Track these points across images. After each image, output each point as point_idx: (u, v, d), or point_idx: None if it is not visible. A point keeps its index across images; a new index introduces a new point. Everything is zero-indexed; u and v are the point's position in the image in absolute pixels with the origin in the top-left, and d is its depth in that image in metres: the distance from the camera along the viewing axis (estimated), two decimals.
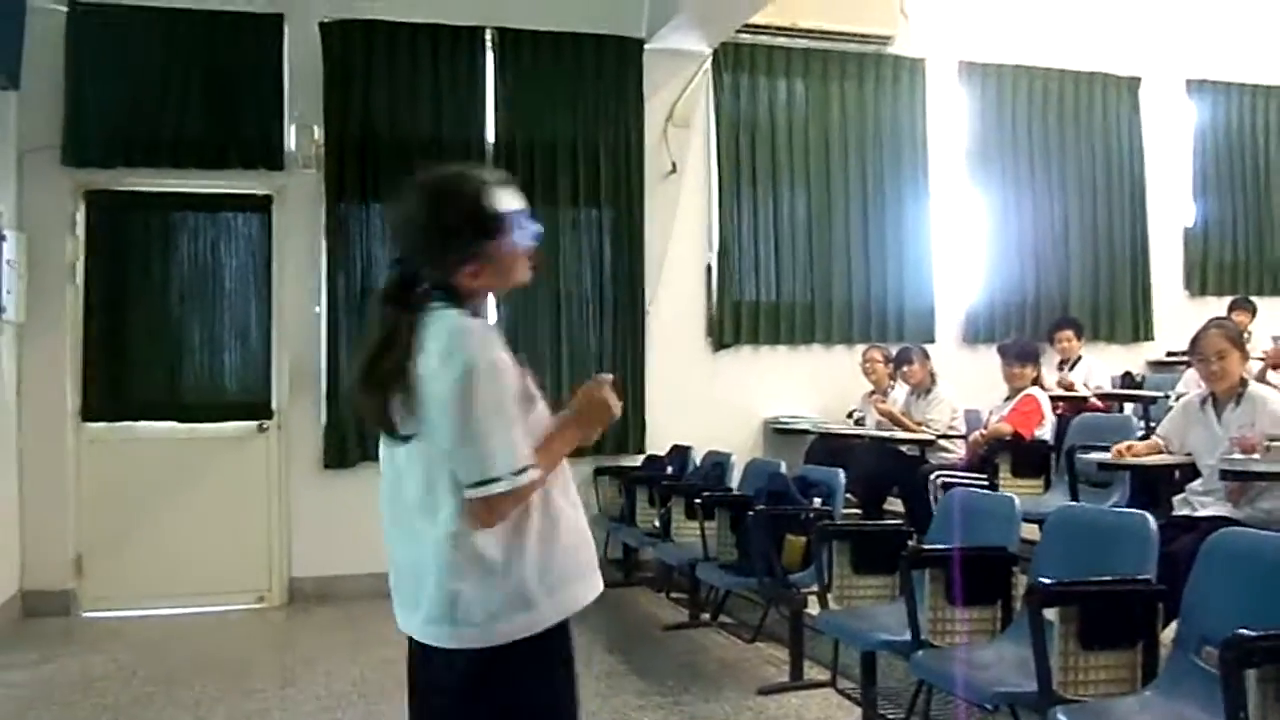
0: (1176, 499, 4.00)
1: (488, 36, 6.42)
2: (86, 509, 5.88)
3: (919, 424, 5.88)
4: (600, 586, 1.93)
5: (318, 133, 6.14)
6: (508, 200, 1.82)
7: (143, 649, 5.14)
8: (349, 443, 6.07)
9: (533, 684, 1.84)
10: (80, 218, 5.97)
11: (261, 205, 6.19)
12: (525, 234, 1.85)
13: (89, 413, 5.94)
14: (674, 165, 6.74)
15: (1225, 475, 3.71)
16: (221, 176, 6.07)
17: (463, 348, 1.71)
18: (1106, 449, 4.34)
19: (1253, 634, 2.03)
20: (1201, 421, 4.03)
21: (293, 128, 6.14)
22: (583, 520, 1.92)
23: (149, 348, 6.11)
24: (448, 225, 1.78)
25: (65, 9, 5.82)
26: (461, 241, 1.78)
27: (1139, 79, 7.74)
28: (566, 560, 1.85)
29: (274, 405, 6.11)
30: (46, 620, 5.64)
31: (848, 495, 4.90)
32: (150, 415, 6.04)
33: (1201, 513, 3.79)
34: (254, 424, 6.07)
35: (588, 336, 6.52)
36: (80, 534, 5.86)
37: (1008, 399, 5.56)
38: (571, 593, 1.86)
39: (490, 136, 6.44)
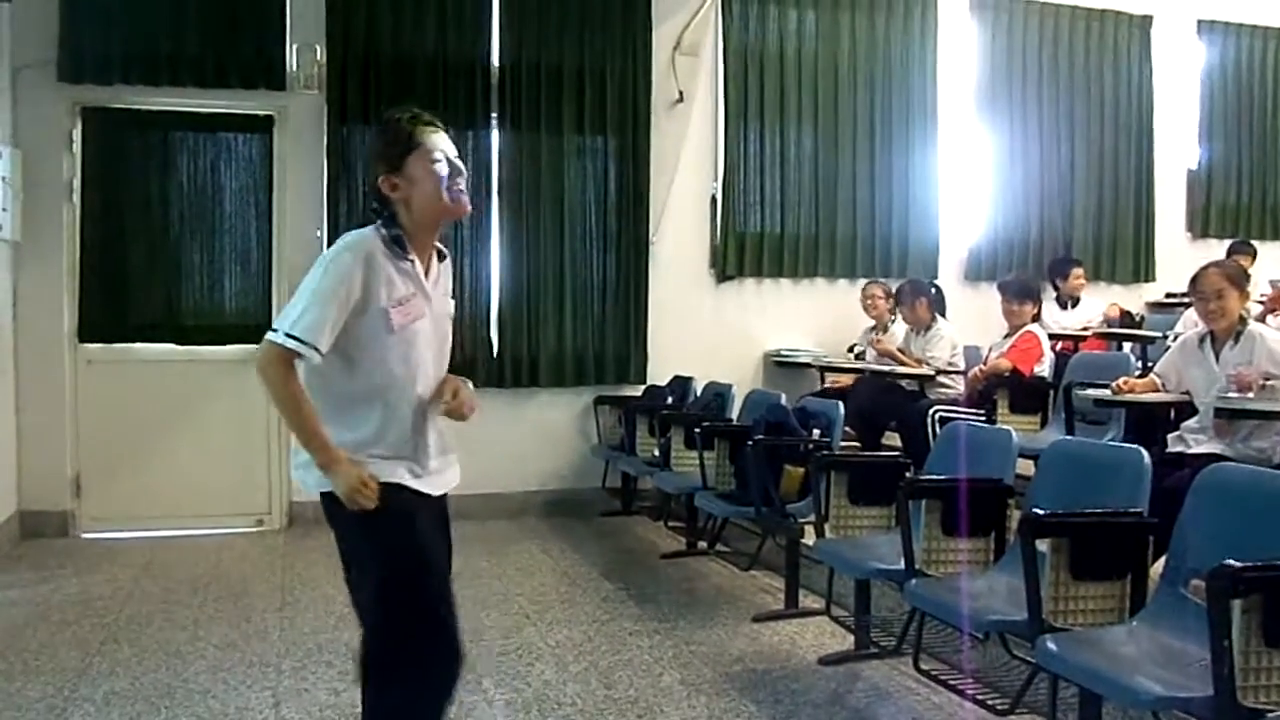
0: (1171, 436, 4.10)
1: None
2: (84, 430, 5.96)
3: (918, 360, 5.96)
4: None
5: (320, 53, 6.11)
6: (429, 137, 2.30)
7: (141, 570, 5.24)
8: None
9: None
10: (77, 135, 5.96)
11: (262, 126, 6.18)
12: (437, 161, 2.28)
13: (86, 333, 5.99)
14: (681, 94, 6.72)
15: (1220, 413, 3.80)
16: (222, 96, 6.04)
17: (335, 248, 2.25)
18: (1104, 386, 4.42)
19: (1238, 564, 2.12)
20: (1199, 360, 4.12)
21: (295, 47, 6.11)
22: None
23: (147, 268, 6.14)
24: (376, 148, 2.35)
25: None
26: (383, 161, 2.30)
27: (1151, 17, 7.70)
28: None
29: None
30: (45, 541, 5.74)
31: (846, 429, 4.98)
32: (148, 337, 6.09)
33: (1195, 449, 3.89)
34: (253, 347, 6.11)
35: (591, 266, 6.55)
36: (78, 455, 5.95)
37: (1007, 336, 5.64)
38: None
39: (495, 60, 6.41)
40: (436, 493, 2.39)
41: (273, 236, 6.18)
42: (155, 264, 6.14)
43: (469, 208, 2.35)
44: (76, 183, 5.96)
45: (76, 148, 5.96)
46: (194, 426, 6.08)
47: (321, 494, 2.27)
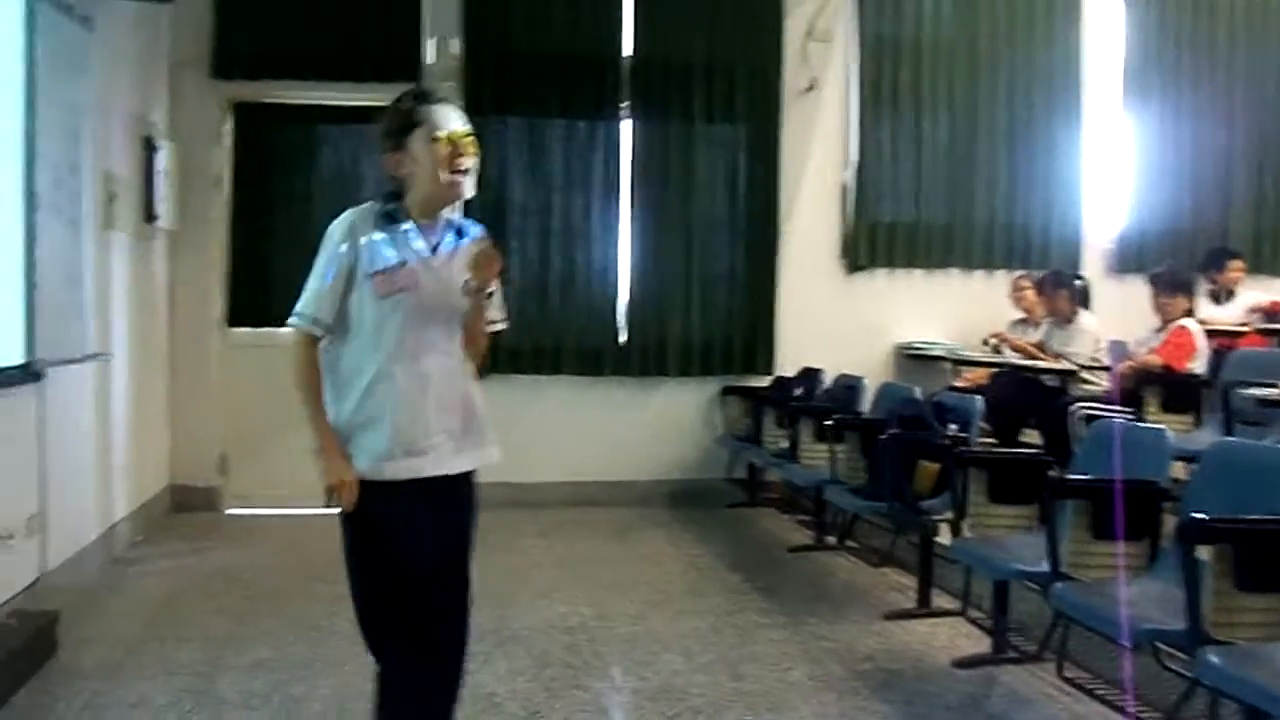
0: None
1: None
2: (230, 411, 6.19)
3: (1057, 355, 5.72)
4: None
5: (456, 45, 6.21)
6: (432, 114, 2.28)
7: (282, 545, 5.42)
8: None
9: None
10: (228, 129, 6.20)
11: None
12: (435, 140, 2.25)
13: (234, 318, 6.23)
14: (812, 82, 6.60)
15: None
16: (362, 89, 6.14)
17: (333, 225, 2.32)
18: (1266, 386, 4.16)
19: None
20: None
21: (432, 40, 6.22)
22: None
23: (290, 256, 6.29)
24: (382, 125, 2.34)
25: None
26: (387, 137, 2.32)
27: None
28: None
29: None
30: (193, 514, 6.00)
31: (982, 425, 4.81)
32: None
33: None
34: None
35: (720, 255, 6.51)
36: (225, 434, 6.18)
37: (1158, 330, 5.35)
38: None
39: (626, 51, 6.41)
40: (437, 472, 2.30)
41: None
42: (298, 252, 6.23)
43: (464, 193, 2.28)
44: (226, 175, 6.20)
45: (227, 141, 6.20)
46: None
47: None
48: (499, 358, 6.25)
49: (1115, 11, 7.02)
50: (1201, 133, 7.04)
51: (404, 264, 2.24)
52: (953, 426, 4.39)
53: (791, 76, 6.58)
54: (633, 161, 6.43)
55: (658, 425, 6.49)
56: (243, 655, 3.69)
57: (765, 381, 6.44)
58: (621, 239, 6.42)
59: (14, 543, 3.74)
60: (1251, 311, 6.28)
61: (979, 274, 6.81)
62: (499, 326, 2.43)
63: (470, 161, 2.26)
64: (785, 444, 5.49)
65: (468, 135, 2.27)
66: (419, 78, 6.18)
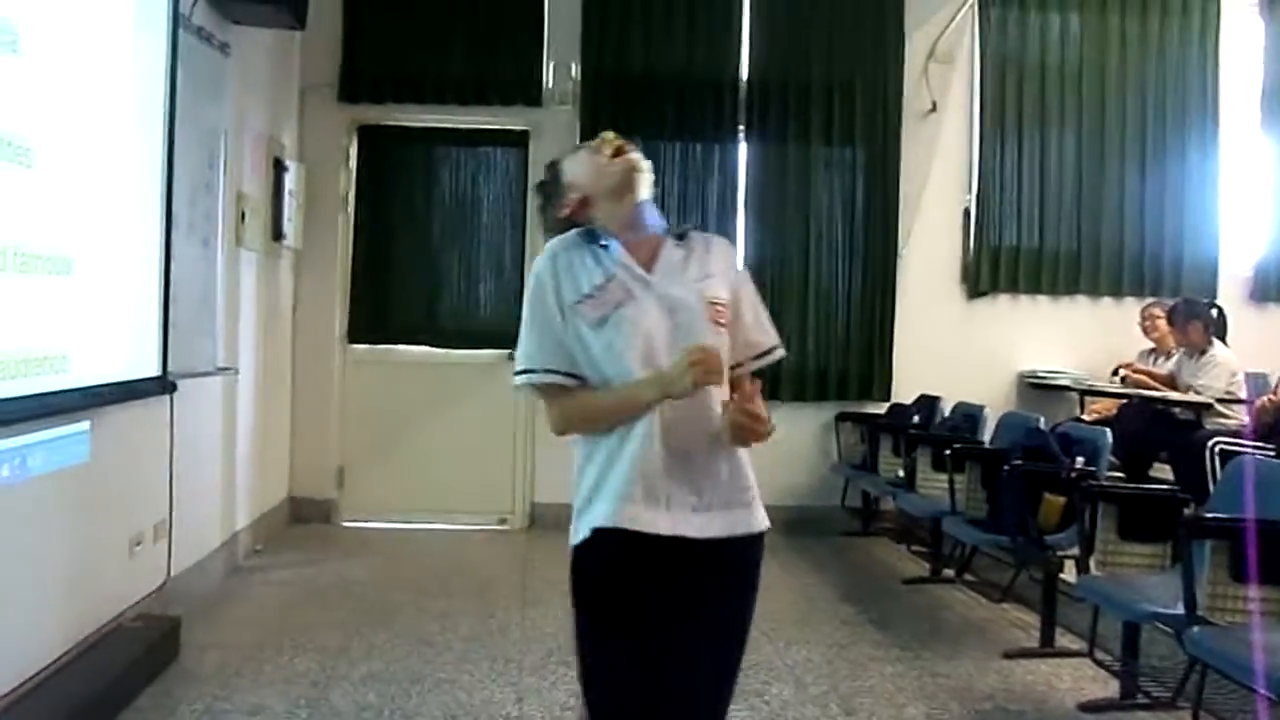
0: None
1: None
2: (349, 425, 6.32)
3: (1189, 388, 5.49)
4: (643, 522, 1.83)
5: (575, 70, 6.29)
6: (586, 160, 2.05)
7: (394, 559, 5.52)
8: None
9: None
10: (353, 151, 6.37)
11: (519, 140, 6.41)
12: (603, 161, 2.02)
13: (354, 335, 6.37)
14: (934, 104, 6.48)
15: None
16: (482, 112, 6.32)
17: (537, 262, 2.00)
18: None
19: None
20: None
21: (551, 65, 6.31)
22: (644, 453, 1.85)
23: (410, 275, 6.49)
24: (542, 211, 2.17)
25: None
26: (549, 199, 2.12)
27: None
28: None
29: None
30: (311, 526, 6.14)
31: (1110, 458, 4.64)
32: (408, 339, 6.42)
33: None
34: (504, 352, 6.34)
35: (837, 278, 6.42)
36: (343, 448, 6.32)
37: None
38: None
39: (743, 74, 6.39)
40: (691, 534, 1.85)
41: (525, 247, 6.37)
42: (417, 271, 6.48)
43: (640, 179, 2.02)
44: (351, 195, 6.37)
45: (351, 162, 6.37)
46: (446, 426, 6.34)
47: (573, 548, 1.90)
48: None
49: (1254, 30, 6.73)
50: None
51: (610, 279, 1.89)
52: (1080, 459, 4.23)
53: (912, 98, 6.46)
54: (749, 184, 6.40)
55: (771, 451, 6.22)
56: (356, 667, 3.75)
57: (882, 408, 6.31)
58: (738, 261, 6.38)
59: (141, 548, 3.87)
60: None
61: (1107, 301, 6.56)
62: (774, 356, 2.03)
63: (635, 151, 2.03)
64: (901, 472, 5.37)
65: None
66: (539, 101, 6.29)
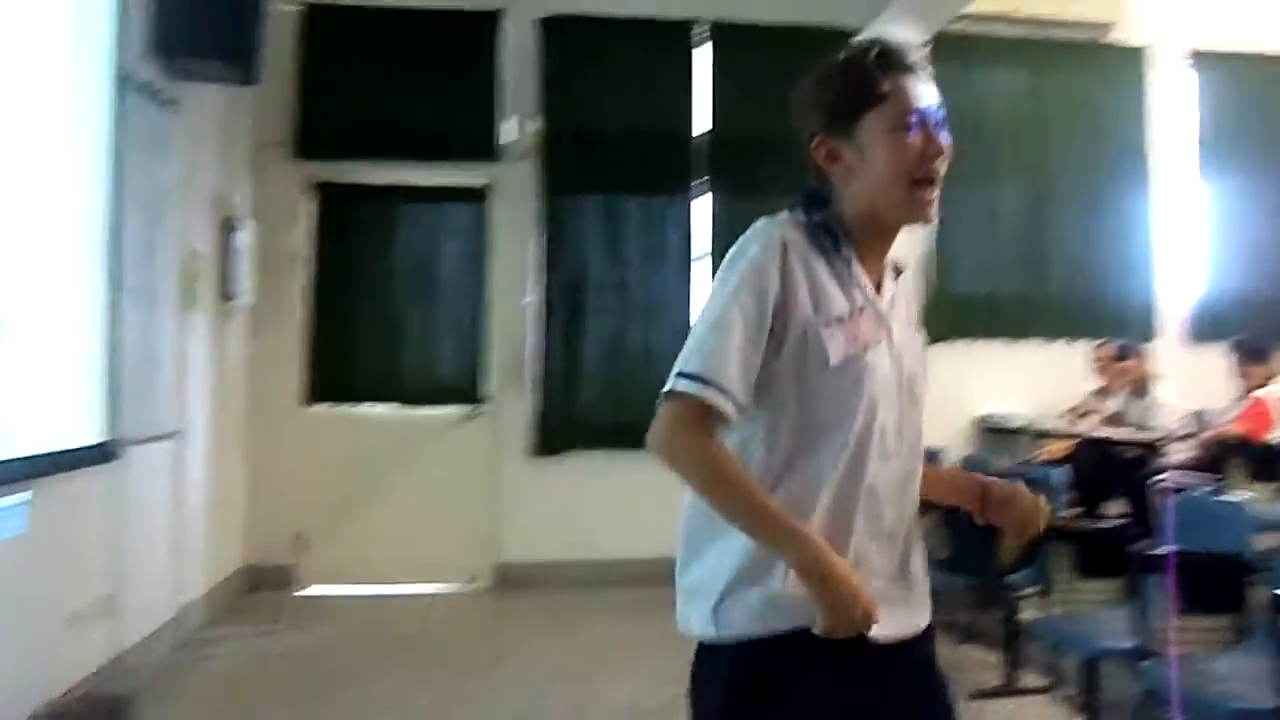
0: None
1: (700, 30, 6.48)
2: (308, 488, 6.16)
3: (1135, 426, 5.64)
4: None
5: (533, 125, 6.30)
6: (906, 88, 1.49)
7: (356, 626, 5.38)
8: (556, 431, 6.21)
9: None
10: (308, 208, 6.29)
11: (478, 196, 6.39)
12: (908, 128, 1.47)
13: (312, 394, 6.25)
14: None
15: None
16: (441, 168, 6.30)
17: (737, 245, 1.48)
18: None
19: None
20: None
21: (509, 120, 6.31)
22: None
23: (369, 333, 6.39)
24: (820, 95, 1.53)
25: (300, 9, 6.16)
26: (825, 112, 1.51)
27: None
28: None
29: (486, 392, 6.30)
30: (268, 594, 5.92)
31: (1067, 497, 4.70)
32: (369, 398, 6.32)
33: None
34: (466, 408, 6.28)
35: None
36: (302, 512, 6.14)
37: (1239, 399, 5.27)
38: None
39: (703, 129, 6.47)
40: (896, 633, 1.46)
41: (486, 303, 6.35)
42: (377, 329, 6.39)
43: (933, 217, 1.50)
44: (306, 253, 6.29)
45: (308, 220, 6.30)
46: (410, 485, 6.23)
47: (699, 647, 1.50)
48: (576, 434, 6.33)
49: (1184, 84, 6.96)
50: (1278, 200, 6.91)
51: (860, 311, 1.47)
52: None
53: None
54: (709, 238, 6.45)
55: None
56: None
57: None
58: (692, 315, 6.46)
59: (85, 624, 3.69)
60: None
61: (1059, 344, 6.69)
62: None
63: (944, 167, 1.51)
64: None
65: (942, 123, 1.51)
66: (498, 157, 6.31)
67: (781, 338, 1.43)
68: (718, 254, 6.41)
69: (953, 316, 6.61)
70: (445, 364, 6.45)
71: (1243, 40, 7.04)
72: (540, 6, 6.35)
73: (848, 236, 1.51)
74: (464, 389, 6.32)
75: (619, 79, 6.38)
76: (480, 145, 6.31)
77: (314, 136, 6.21)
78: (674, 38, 6.47)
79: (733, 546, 1.42)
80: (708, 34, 6.49)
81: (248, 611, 5.64)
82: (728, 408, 1.39)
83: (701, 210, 6.48)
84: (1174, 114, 6.96)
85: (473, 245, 6.43)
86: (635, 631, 5.09)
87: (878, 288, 1.53)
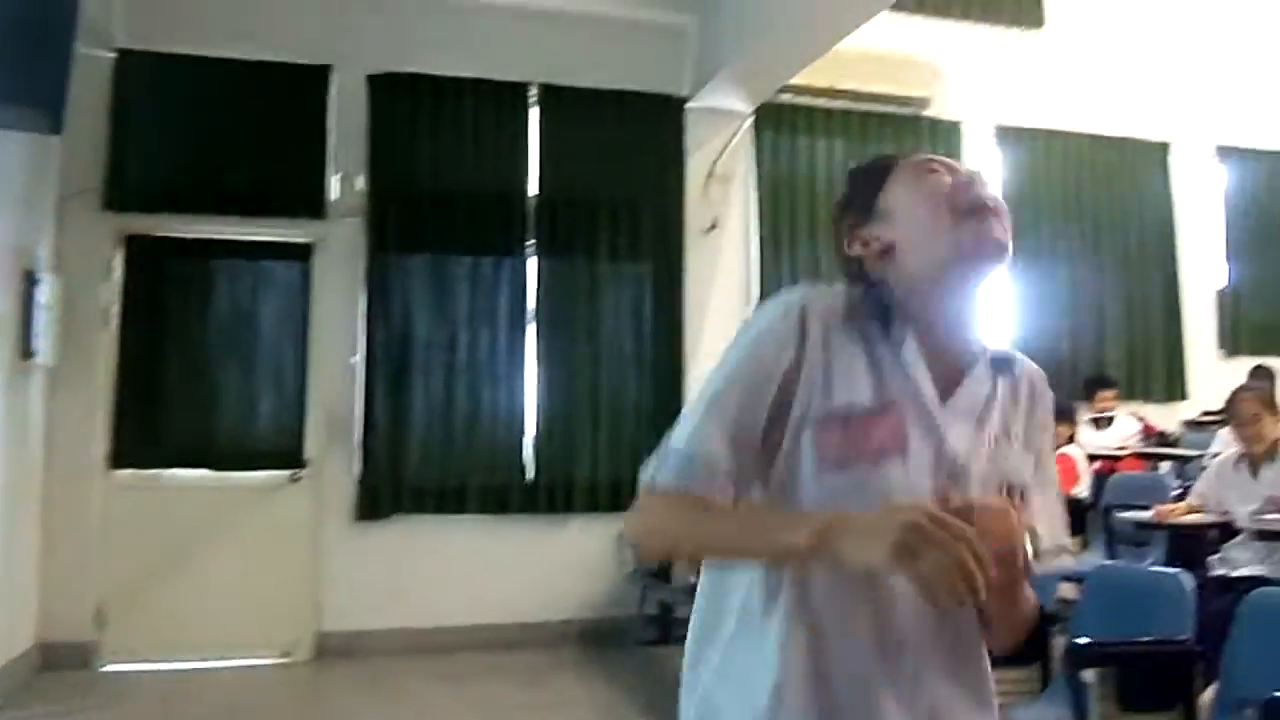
0: (1214, 559, 4.16)
1: (533, 92, 6.74)
2: (111, 558, 5.99)
3: None
4: None
5: (360, 182, 6.43)
6: (914, 156, 1.43)
7: (162, 704, 5.27)
8: (382, 495, 6.28)
9: None
10: (118, 262, 6.21)
11: (301, 253, 6.46)
12: (932, 171, 1.37)
13: (118, 459, 6.12)
14: (714, 221, 7.00)
15: (1262, 535, 3.86)
16: (262, 223, 6.34)
17: (756, 309, 1.35)
18: (1144, 508, 4.51)
19: None
20: (1236, 481, 4.24)
21: (336, 177, 6.43)
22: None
23: (182, 394, 6.34)
24: (839, 201, 1.47)
25: (112, 55, 6.12)
26: (848, 211, 1.43)
27: (1168, 144, 8.12)
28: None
29: (307, 455, 6.30)
30: (65, 673, 5.71)
31: None
32: (181, 463, 6.22)
33: (1238, 573, 3.94)
34: (286, 473, 6.26)
35: (626, 391, 6.75)
36: (104, 584, 5.97)
37: None
38: None
39: (533, 189, 6.72)
40: None
41: (308, 363, 6.39)
42: (190, 389, 6.34)
43: (1002, 250, 1.32)
44: (115, 309, 6.19)
45: (117, 275, 6.21)
46: (222, 554, 6.16)
47: None
48: (402, 498, 6.33)
49: (992, 157, 7.73)
50: (1074, 269, 7.75)
51: (887, 408, 1.26)
52: None
53: (694, 216, 6.98)
54: (539, 298, 6.67)
55: (566, 563, 6.57)
56: None
57: None
58: (528, 376, 6.62)
59: None
60: (1130, 437, 6.79)
61: None
62: (1046, 565, 1.38)
63: (995, 194, 1.35)
64: (694, 578, 5.59)
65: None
66: (323, 213, 6.37)
67: (782, 425, 1.24)
68: (544, 315, 6.57)
69: None
70: (264, 427, 6.44)
71: (1043, 118, 7.85)
72: (370, 63, 6.51)
73: (904, 319, 1.31)
74: (284, 452, 6.29)
75: (450, 138, 6.60)
76: (305, 201, 6.40)
77: (125, 187, 6.17)
78: (508, 99, 6.72)
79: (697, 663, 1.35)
80: (538, 97, 6.73)
81: (41, 693, 5.44)
82: (714, 490, 1.22)
83: (533, 271, 6.68)
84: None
85: (295, 303, 6.48)
86: (464, 700, 5.13)
87: (951, 384, 1.31)
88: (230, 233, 6.35)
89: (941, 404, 1.29)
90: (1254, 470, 4.21)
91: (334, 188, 6.42)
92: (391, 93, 6.49)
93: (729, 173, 7.07)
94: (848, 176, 1.49)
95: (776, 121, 7.20)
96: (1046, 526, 1.37)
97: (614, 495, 6.63)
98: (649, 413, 6.73)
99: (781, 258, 7.13)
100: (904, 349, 1.30)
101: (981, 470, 1.29)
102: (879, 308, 1.32)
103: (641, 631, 6.52)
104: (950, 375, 1.32)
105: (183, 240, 6.36)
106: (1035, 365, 1.48)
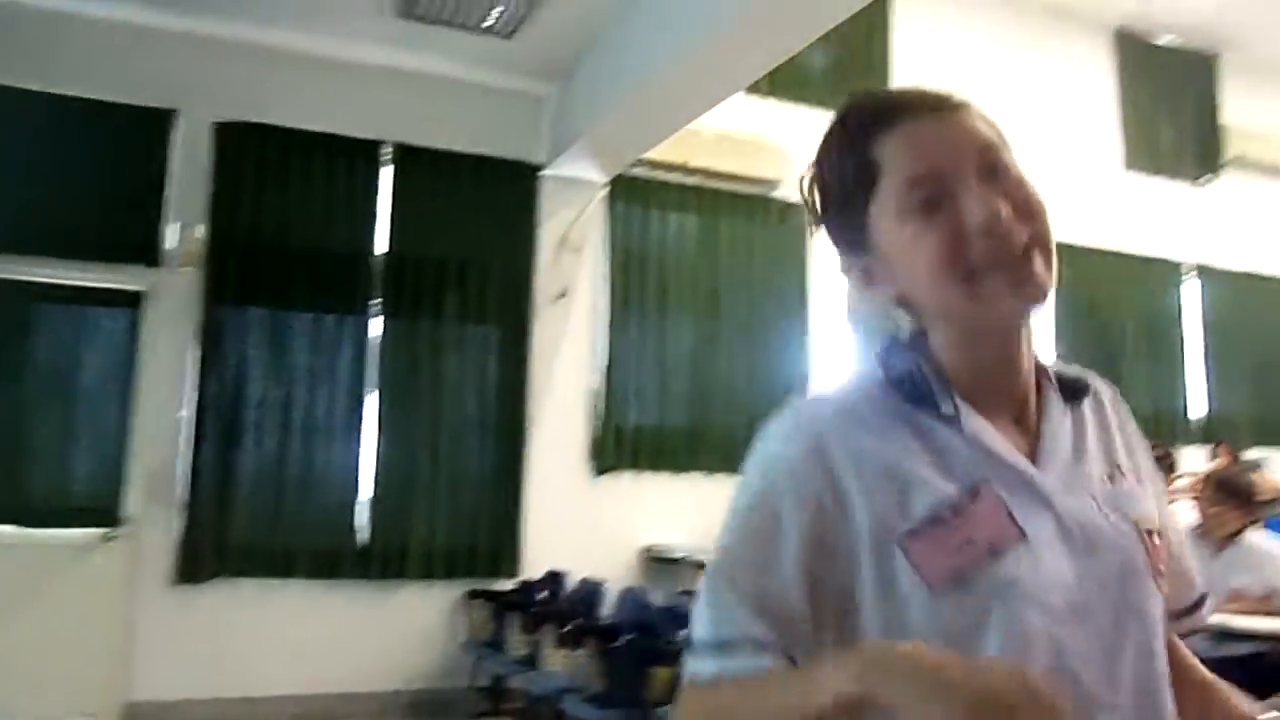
0: None
1: (386, 151, 6.76)
2: None
3: None
4: None
5: (200, 231, 6.30)
6: (896, 138, 1.07)
7: None
8: (204, 557, 6.07)
9: None
10: None
11: (131, 301, 6.27)
12: (920, 193, 1.04)
13: None
14: (564, 289, 7.10)
15: None
16: (91, 269, 6.15)
17: (754, 448, 1.09)
18: None
19: None
20: None
21: (175, 224, 6.29)
22: None
23: None
24: (818, 205, 1.15)
25: None
26: (836, 227, 1.14)
27: None
28: None
29: (125, 513, 6.07)
30: None
31: None
32: None
33: None
34: (101, 531, 6.01)
35: (468, 456, 6.73)
36: None
37: None
38: None
39: (381, 248, 6.70)
40: None
41: (132, 415, 6.17)
42: (1, 441, 6.06)
43: (1031, 297, 1.03)
44: None
45: None
46: (30, 614, 5.84)
47: None
48: (226, 560, 6.14)
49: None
50: None
51: (977, 490, 1.03)
52: (684, 632, 4.66)
53: (544, 283, 7.06)
54: (382, 359, 6.62)
55: (398, 632, 6.47)
56: None
57: (511, 585, 6.60)
58: (366, 438, 6.54)
59: None
60: None
61: (721, 477, 7.29)
62: (1203, 614, 1.23)
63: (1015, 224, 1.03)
64: (528, 650, 5.61)
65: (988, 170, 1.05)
66: (157, 261, 6.22)
67: (848, 565, 1.01)
68: (387, 376, 6.54)
69: (621, 448, 7.07)
70: (80, 482, 6.24)
71: None
72: (218, 111, 6.44)
73: (944, 384, 1.07)
74: (100, 509, 6.08)
75: (298, 191, 6.55)
76: (138, 247, 6.25)
77: None
78: (360, 156, 6.72)
79: None
80: (391, 155, 6.73)
81: None
82: (764, 663, 0.97)
83: (376, 331, 6.64)
84: (828, 266, 7.87)
85: (122, 353, 6.30)
86: None
87: (1029, 436, 1.09)
88: (54, 276, 6.12)
89: (1033, 459, 1.06)
90: None
91: (171, 235, 6.29)
92: (238, 142, 6.40)
93: (581, 241, 7.20)
94: (823, 144, 1.14)
95: (630, 193, 7.38)
96: (1189, 564, 1.19)
97: (450, 561, 6.59)
98: (490, 478, 6.73)
99: (630, 328, 7.26)
100: (964, 420, 1.05)
101: (1113, 526, 1.05)
102: (909, 383, 1.07)
103: (473, 704, 6.46)
104: (1025, 425, 1.09)
105: (2, 281, 6.08)
106: (1102, 378, 1.19)
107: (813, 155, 1.15)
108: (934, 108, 1.07)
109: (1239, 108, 9.70)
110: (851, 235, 1.11)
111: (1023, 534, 1.01)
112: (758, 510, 1.04)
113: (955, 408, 1.06)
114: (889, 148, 1.06)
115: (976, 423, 1.06)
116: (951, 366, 1.08)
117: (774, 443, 1.07)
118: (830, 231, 1.14)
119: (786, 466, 1.04)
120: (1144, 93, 9.36)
